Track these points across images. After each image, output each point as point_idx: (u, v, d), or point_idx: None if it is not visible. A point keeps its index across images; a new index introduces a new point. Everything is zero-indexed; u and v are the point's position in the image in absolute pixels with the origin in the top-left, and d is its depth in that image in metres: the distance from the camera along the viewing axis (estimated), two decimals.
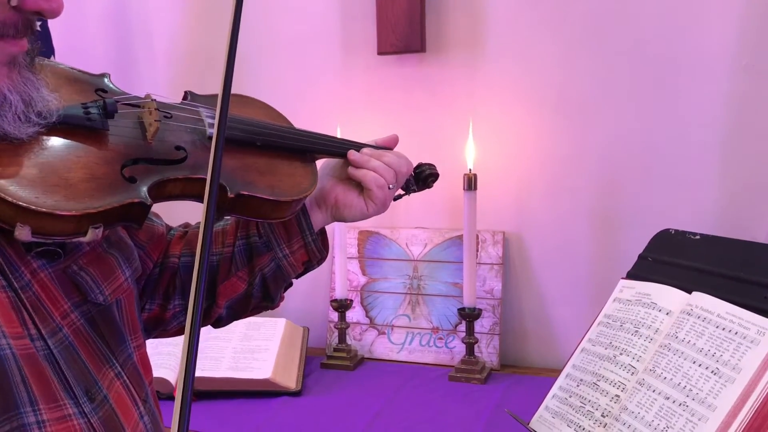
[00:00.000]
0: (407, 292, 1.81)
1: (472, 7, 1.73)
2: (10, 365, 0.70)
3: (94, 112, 0.82)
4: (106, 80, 0.94)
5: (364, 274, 1.85)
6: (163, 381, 1.55)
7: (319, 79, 1.87)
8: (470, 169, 1.65)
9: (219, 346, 1.66)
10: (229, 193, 0.88)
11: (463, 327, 1.70)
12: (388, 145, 1.13)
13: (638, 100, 1.63)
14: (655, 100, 1.61)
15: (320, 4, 1.84)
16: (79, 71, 0.92)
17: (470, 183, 1.64)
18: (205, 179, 0.81)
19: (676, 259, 1.03)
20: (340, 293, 1.78)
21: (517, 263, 1.77)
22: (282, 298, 1.11)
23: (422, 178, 1.15)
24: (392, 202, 1.11)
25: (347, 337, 1.81)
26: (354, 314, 1.83)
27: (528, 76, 1.71)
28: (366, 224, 1.83)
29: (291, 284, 1.11)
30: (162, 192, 0.85)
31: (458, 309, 1.70)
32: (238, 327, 1.71)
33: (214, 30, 1.93)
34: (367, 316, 1.83)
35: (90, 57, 2.03)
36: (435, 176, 1.16)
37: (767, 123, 1.53)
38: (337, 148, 1.08)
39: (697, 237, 1.03)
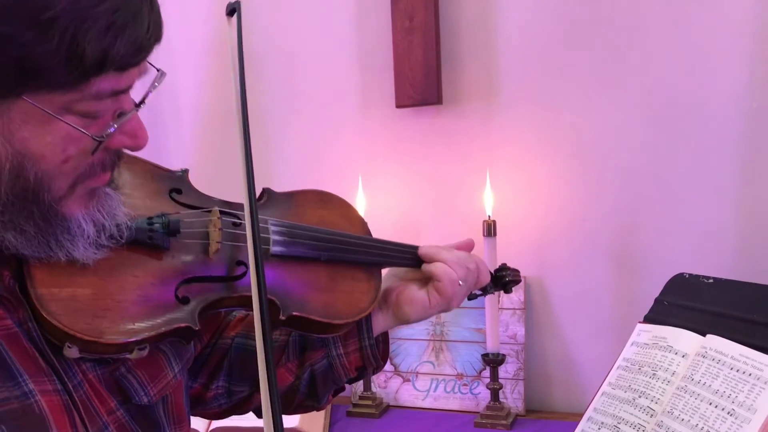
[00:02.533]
0: (431, 338, 1.83)
1: (486, 58, 1.78)
2: None
3: (158, 230, 0.82)
4: (183, 178, 0.93)
5: None
6: None
7: (340, 133, 1.93)
8: (489, 216, 1.69)
9: None
10: (281, 315, 0.87)
11: (487, 373, 1.71)
12: (463, 249, 1.09)
13: (653, 143, 1.66)
14: (668, 144, 1.65)
15: (339, 61, 1.91)
16: (157, 168, 0.92)
17: (490, 229, 1.66)
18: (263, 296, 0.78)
19: (691, 302, 1.05)
20: None
21: (539, 307, 1.79)
22: (329, 401, 1.07)
23: (502, 282, 1.13)
24: (466, 301, 1.06)
25: (372, 384, 1.82)
26: None
27: (543, 124, 1.75)
28: None
29: (343, 389, 1.07)
30: (214, 307, 0.85)
31: (482, 355, 1.71)
32: None
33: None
34: (391, 364, 1.85)
35: None
36: (515, 283, 1.14)
37: None
38: (407, 260, 1.04)
39: (710, 281, 1.05)
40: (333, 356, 1.01)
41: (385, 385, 1.85)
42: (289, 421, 1.61)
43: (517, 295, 1.77)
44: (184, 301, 0.81)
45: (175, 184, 0.92)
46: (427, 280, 1.03)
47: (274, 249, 0.91)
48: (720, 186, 1.60)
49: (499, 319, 1.73)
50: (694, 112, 1.62)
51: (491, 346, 1.68)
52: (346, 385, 1.08)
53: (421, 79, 1.79)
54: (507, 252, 1.76)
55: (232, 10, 0.81)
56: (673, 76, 1.63)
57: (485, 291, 1.12)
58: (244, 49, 0.80)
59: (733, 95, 1.58)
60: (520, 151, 1.78)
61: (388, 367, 1.84)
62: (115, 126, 0.73)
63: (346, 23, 1.89)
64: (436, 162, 1.84)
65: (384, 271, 1.04)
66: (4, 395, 0.71)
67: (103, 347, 0.76)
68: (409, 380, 1.83)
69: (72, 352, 0.75)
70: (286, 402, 1.05)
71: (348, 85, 1.91)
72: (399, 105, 1.83)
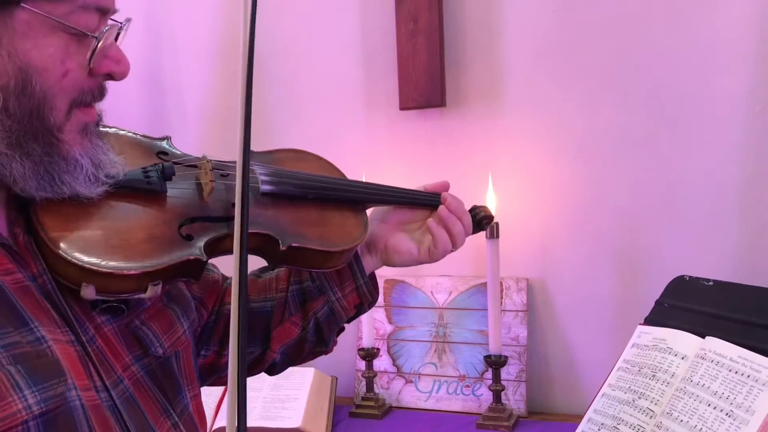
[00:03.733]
0: (433, 340, 1.84)
1: (490, 61, 1.79)
2: (78, 415, 0.74)
3: (153, 176, 0.88)
4: (166, 143, 1.00)
5: (390, 322, 1.88)
6: None
7: (344, 135, 1.94)
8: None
9: (250, 396, 1.70)
10: (281, 246, 0.92)
11: (489, 374, 1.72)
12: (438, 191, 1.14)
13: (656, 146, 1.66)
14: (672, 147, 1.65)
15: (344, 63, 1.92)
16: (142, 135, 0.99)
17: (493, 231, 1.67)
18: (258, 233, 0.87)
19: (691, 304, 1.05)
20: (367, 342, 1.81)
21: (542, 310, 1.79)
22: (335, 343, 1.14)
23: (476, 221, 1.17)
24: (450, 263, 1.15)
25: (375, 385, 1.83)
26: (381, 363, 1.86)
27: (546, 126, 1.76)
28: (392, 273, 1.87)
29: (343, 329, 1.14)
30: (217, 247, 0.90)
31: (484, 356, 1.72)
32: (268, 377, 1.75)
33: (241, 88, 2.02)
34: (394, 365, 1.86)
35: (125, 112, 2.12)
36: (489, 218, 1.18)
37: None
38: (388, 198, 1.11)
39: (711, 283, 1.06)
40: (332, 301, 1.07)
41: (388, 386, 1.85)
42: (293, 421, 1.62)
43: (519, 297, 1.77)
44: (189, 238, 0.86)
45: (161, 148, 0.98)
46: (410, 224, 1.11)
47: (264, 188, 0.97)
48: (722, 189, 1.61)
49: (502, 321, 1.74)
50: (697, 115, 1.62)
51: (493, 348, 1.68)
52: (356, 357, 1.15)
53: (425, 81, 1.80)
54: (510, 253, 1.77)
55: None
56: (676, 79, 1.64)
57: None
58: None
59: (737, 98, 1.58)
60: (524, 153, 1.78)
61: (390, 368, 1.85)
62: (105, 30, 0.78)
63: (351, 25, 1.90)
64: (439, 164, 1.85)
65: (369, 213, 1.10)
66: (14, 339, 0.72)
67: (118, 282, 0.79)
68: (411, 381, 1.84)
69: (89, 291, 0.77)
70: (297, 352, 1.10)
71: (352, 87, 1.92)
72: (403, 107, 1.83)
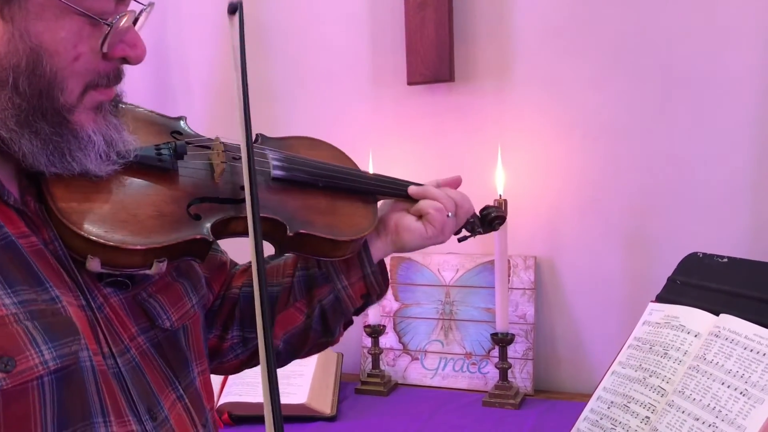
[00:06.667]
0: (440, 317, 1.83)
1: (499, 36, 1.76)
2: (87, 376, 0.75)
3: (166, 154, 0.88)
4: (182, 123, 1.00)
5: (396, 299, 1.87)
6: None
7: (352, 110, 1.92)
8: (500, 195, 1.67)
9: (255, 371, 1.69)
10: (288, 232, 0.92)
11: (496, 352, 1.71)
12: (450, 185, 1.13)
13: (668, 123, 1.64)
14: (684, 123, 1.63)
15: (351, 37, 1.89)
16: (158, 114, 0.99)
17: (501, 208, 1.65)
18: (267, 218, 0.86)
19: (704, 282, 1.04)
20: (373, 319, 1.80)
21: (549, 288, 1.78)
22: (341, 334, 1.12)
23: (488, 220, 1.16)
24: (457, 243, 1.13)
25: (381, 362, 1.82)
26: (387, 340, 1.85)
27: (556, 102, 1.73)
28: None
29: (351, 321, 1.12)
30: (225, 229, 0.90)
31: (491, 334, 1.71)
32: None
33: (247, 62, 1.99)
34: (400, 342, 1.85)
35: (130, 87, 2.09)
36: (501, 219, 1.17)
37: None
38: (398, 190, 1.09)
39: (725, 260, 1.04)
40: (339, 288, 1.06)
41: (394, 363, 1.85)
42: (298, 397, 1.61)
43: (527, 274, 1.76)
44: (197, 217, 0.86)
45: (176, 128, 0.99)
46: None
47: (275, 173, 0.98)
48: (736, 166, 1.58)
49: (509, 299, 1.72)
50: (710, 92, 1.60)
51: (500, 326, 1.67)
52: (354, 318, 1.13)
53: (434, 55, 1.77)
54: (518, 231, 1.75)
55: (234, 9, 0.83)
56: (689, 55, 1.61)
57: (473, 231, 1.14)
58: (255, 23, 0.81)
59: (751, 74, 1.56)
60: (533, 129, 1.76)
61: (396, 345, 1.84)
62: (119, 16, 0.77)
63: None
64: (447, 140, 1.83)
65: (379, 203, 1.09)
66: (30, 296, 0.73)
67: (124, 257, 0.79)
68: (417, 359, 1.83)
69: (94, 264, 0.78)
70: (302, 341, 1.08)
71: (359, 61, 1.90)
72: (411, 82, 1.81)
